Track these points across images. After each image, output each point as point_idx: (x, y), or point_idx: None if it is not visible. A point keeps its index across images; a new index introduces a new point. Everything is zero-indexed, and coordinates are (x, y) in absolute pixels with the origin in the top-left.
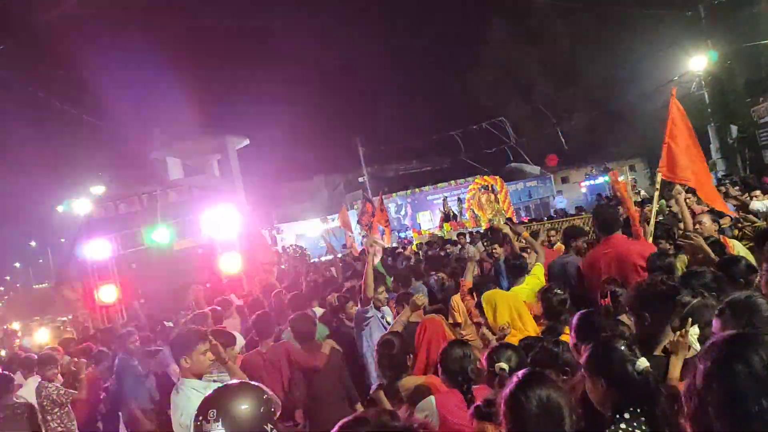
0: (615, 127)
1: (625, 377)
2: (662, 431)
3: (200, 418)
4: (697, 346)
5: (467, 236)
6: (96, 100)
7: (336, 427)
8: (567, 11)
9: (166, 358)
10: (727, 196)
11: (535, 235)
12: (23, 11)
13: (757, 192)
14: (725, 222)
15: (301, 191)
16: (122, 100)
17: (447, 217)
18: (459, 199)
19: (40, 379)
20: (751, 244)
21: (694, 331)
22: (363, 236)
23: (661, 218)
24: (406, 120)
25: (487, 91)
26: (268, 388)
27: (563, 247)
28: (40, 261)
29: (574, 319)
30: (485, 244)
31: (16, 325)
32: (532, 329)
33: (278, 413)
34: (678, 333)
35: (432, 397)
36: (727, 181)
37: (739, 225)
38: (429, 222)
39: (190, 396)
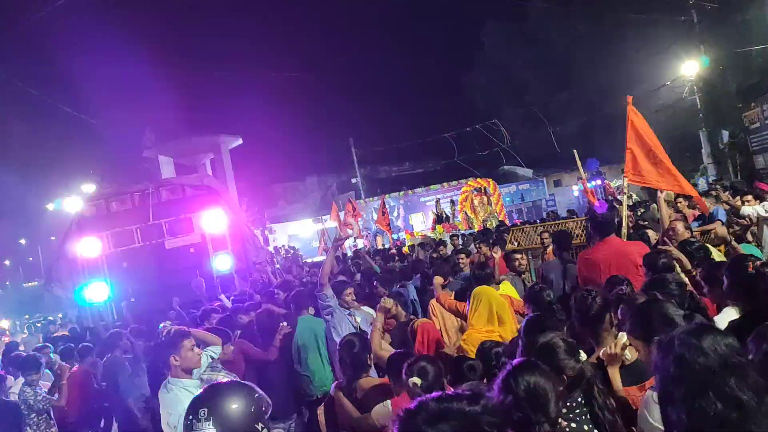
0: (608, 131)
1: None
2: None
3: (191, 416)
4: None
5: (460, 238)
6: (88, 98)
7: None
8: (561, 16)
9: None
10: (718, 200)
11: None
12: (14, 9)
13: (749, 197)
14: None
15: (293, 192)
16: (114, 98)
17: (440, 219)
18: (452, 201)
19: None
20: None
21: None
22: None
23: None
24: (400, 122)
25: (480, 94)
26: None
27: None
28: (30, 259)
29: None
30: (477, 246)
31: (5, 323)
32: (510, 331)
33: (269, 412)
34: (611, 344)
35: (389, 402)
36: (717, 186)
37: (730, 230)
38: (422, 224)
39: (179, 395)
